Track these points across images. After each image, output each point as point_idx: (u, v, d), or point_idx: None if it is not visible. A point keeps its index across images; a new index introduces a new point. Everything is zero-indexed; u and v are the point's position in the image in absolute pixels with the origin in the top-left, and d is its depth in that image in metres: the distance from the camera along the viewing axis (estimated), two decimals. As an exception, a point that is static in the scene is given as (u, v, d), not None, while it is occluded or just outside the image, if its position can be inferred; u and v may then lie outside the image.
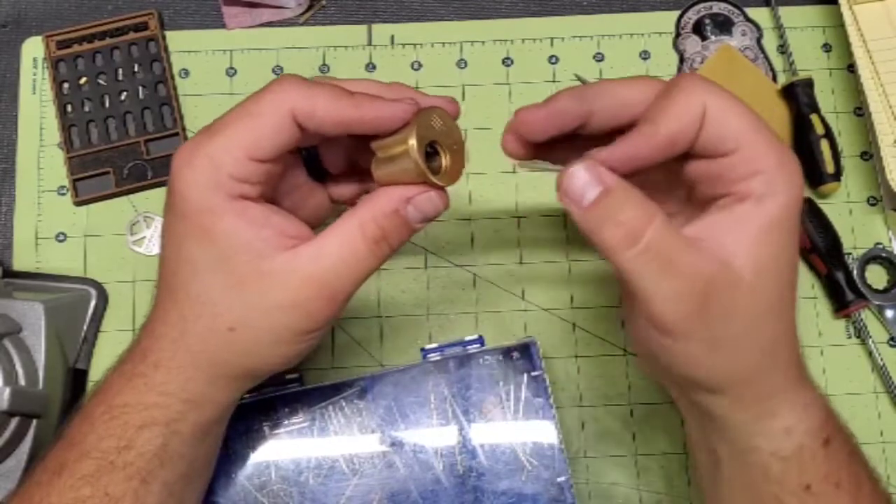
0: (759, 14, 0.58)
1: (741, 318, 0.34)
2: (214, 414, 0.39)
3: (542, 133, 0.36)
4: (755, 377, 0.35)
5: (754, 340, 0.34)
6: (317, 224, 0.41)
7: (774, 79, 0.57)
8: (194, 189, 0.34)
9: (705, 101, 0.33)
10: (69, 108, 0.55)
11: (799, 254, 0.36)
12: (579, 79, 0.56)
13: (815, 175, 0.53)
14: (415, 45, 0.57)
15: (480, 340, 0.49)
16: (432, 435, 0.46)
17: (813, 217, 0.52)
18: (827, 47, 0.57)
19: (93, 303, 0.52)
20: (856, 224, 0.54)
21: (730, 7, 0.58)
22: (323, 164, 0.42)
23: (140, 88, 0.56)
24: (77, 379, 0.51)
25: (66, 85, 0.56)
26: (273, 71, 0.56)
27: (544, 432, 0.46)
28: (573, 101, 0.35)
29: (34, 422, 0.46)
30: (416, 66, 0.57)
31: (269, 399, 0.47)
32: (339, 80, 0.38)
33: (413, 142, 0.35)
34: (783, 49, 0.57)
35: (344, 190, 0.42)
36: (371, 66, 0.57)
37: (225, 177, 0.34)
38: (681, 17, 0.58)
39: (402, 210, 0.36)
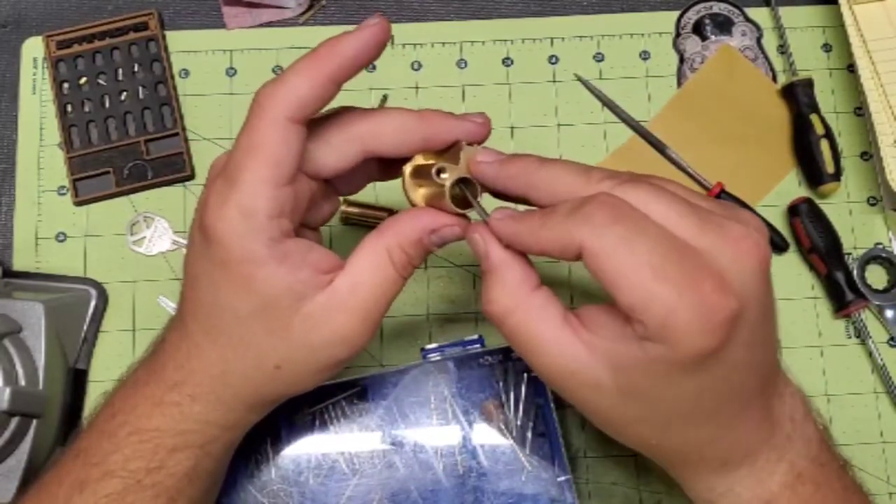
0: (759, 14, 0.58)
1: (601, 410, 0.34)
2: (245, 432, 0.40)
3: (488, 186, 0.37)
4: (654, 457, 0.37)
5: (625, 436, 0.35)
6: (326, 222, 0.41)
7: (774, 79, 0.57)
8: (235, 240, 0.34)
9: (583, 242, 0.31)
10: (69, 108, 0.55)
11: (708, 385, 0.32)
12: (579, 79, 0.56)
13: (815, 175, 0.53)
14: (415, 45, 0.57)
15: (480, 340, 0.49)
16: (432, 435, 0.46)
17: (813, 217, 0.52)
18: (827, 47, 0.57)
19: (93, 303, 0.52)
20: (856, 224, 0.54)
21: (730, 7, 0.58)
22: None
23: (140, 88, 0.56)
24: (77, 379, 0.51)
25: (66, 85, 0.56)
26: (273, 71, 0.56)
27: (544, 432, 0.46)
28: (520, 184, 0.35)
29: (34, 422, 0.45)
30: (416, 66, 0.57)
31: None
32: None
33: (447, 183, 0.36)
34: (783, 49, 0.57)
35: (353, 184, 0.41)
36: (371, 67, 0.57)
37: (263, 221, 0.34)
38: (681, 17, 0.58)
39: (426, 240, 0.37)
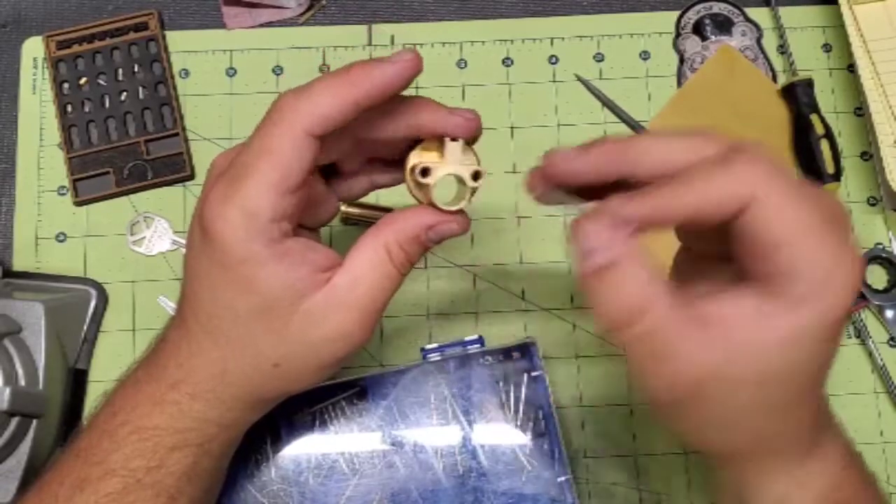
0: (759, 14, 0.58)
1: (728, 411, 0.33)
2: (244, 430, 0.40)
3: (573, 183, 0.34)
4: (739, 457, 0.35)
5: (739, 430, 0.34)
6: (325, 224, 0.41)
7: (774, 79, 0.57)
8: (235, 241, 0.34)
9: (755, 193, 0.30)
10: (69, 108, 0.55)
11: (830, 355, 0.33)
12: (579, 79, 0.56)
13: (815, 175, 0.53)
14: (415, 45, 0.57)
15: (480, 340, 0.49)
16: (432, 435, 0.46)
17: (813, 217, 0.52)
18: (827, 47, 0.57)
19: (93, 303, 0.52)
20: (856, 224, 0.54)
21: (730, 7, 0.58)
22: (337, 167, 0.41)
23: (140, 88, 0.56)
24: (77, 379, 0.51)
25: (66, 85, 0.56)
26: (273, 71, 0.56)
27: (544, 432, 0.46)
28: (615, 163, 0.33)
29: (34, 422, 0.46)
30: (416, 66, 0.57)
31: (269, 399, 0.47)
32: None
33: (431, 182, 0.36)
34: (783, 49, 0.57)
35: (354, 189, 0.41)
36: (371, 66, 0.57)
37: (265, 223, 0.34)
38: (681, 17, 0.58)
39: (423, 237, 0.37)
